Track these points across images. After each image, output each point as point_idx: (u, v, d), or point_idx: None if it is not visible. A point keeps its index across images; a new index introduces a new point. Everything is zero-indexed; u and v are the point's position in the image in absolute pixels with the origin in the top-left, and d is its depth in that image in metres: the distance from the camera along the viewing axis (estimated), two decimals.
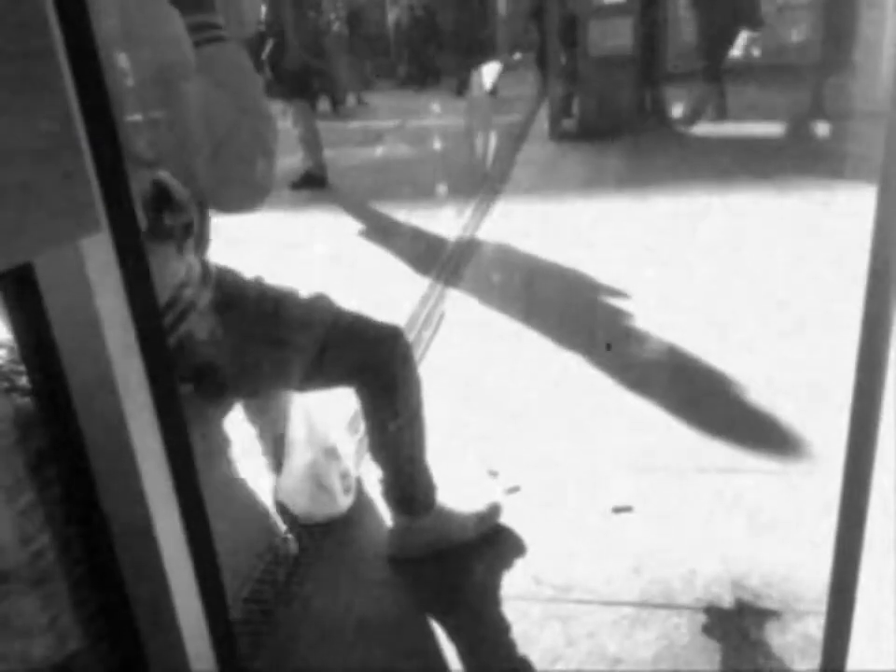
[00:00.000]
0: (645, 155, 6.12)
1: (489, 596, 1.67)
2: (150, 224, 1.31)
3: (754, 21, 7.27)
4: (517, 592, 1.67)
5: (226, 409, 1.60)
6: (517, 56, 9.32)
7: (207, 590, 0.77)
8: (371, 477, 1.89)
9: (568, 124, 7.12)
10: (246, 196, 1.30)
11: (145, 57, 1.09)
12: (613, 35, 6.71)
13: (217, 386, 1.47)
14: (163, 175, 1.32)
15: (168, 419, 0.70)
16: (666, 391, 2.45)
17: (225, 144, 1.18)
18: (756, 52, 8.36)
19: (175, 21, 1.13)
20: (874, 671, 0.80)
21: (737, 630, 1.52)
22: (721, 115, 6.98)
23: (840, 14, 6.79)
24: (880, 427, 0.72)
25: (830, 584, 0.82)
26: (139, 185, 1.25)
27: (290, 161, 5.86)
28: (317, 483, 1.88)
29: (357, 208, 5.33)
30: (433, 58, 12.43)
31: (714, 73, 6.95)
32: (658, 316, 3.01)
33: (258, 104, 1.25)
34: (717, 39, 6.96)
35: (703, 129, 6.84)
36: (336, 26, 10.62)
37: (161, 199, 1.31)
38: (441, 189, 5.67)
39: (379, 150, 7.50)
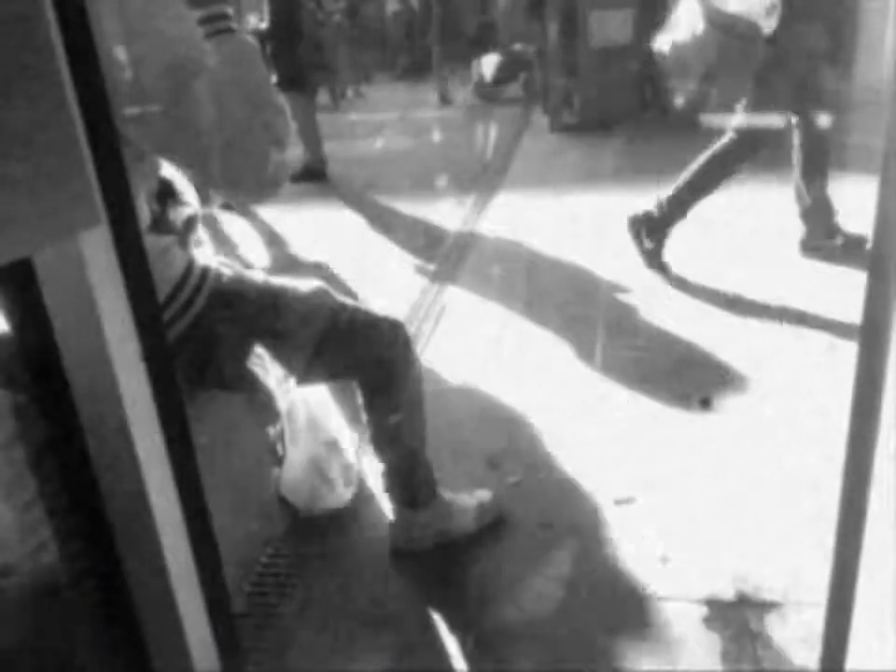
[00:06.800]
0: (646, 147, 6.10)
1: (490, 589, 1.67)
2: (154, 218, 1.31)
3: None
4: (518, 584, 1.67)
5: (225, 403, 1.60)
6: (517, 48, 9.27)
7: (209, 583, 0.77)
8: (373, 469, 1.89)
9: (568, 116, 7.09)
10: (260, 188, 1.29)
11: (156, 54, 1.08)
12: (614, 27, 6.68)
13: (218, 381, 1.47)
14: (169, 170, 1.32)
15: (168, 413, 0.70)
16: (667, 385, 2.45)
17: (237, 138, 1.18)
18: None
19: (188, 19, 1.13)
20: (873, 669, 0.80)
21: (738, 622, 1.52)
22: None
23: (841, 4, 6.76)
24: (881, 422, 0.72)
25: (830, 579, 0.82)
26: (143, 179, 1.25)
27: (290, 153, 5.84)
28: (319, 475, 1.88)
29: (356, 201, 5.32)
30: (432, 50, 12.37)
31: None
32: (659, 309, 3.01)
33: (268, 96, 1.24)
34: None
35: (704, 120, 6.81)
36: (336, 18, 10.57)
37: (165, 193, 1.31)
38: (441, 181, 5.66)
39: (378, 143, 7.48)
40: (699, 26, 3.01)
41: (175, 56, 1.11)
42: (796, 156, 3.39)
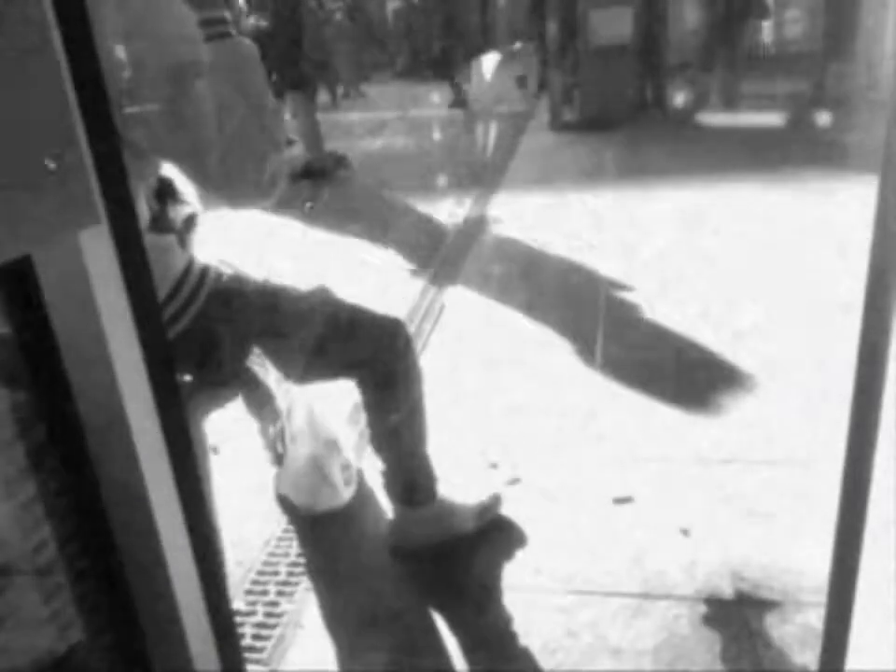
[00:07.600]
0: (645, 145, 6.10)
1: (490, 587, 1.67)
2: (154, 216, 1.31)
3: (762, 12, 7.28)
4: (518, 583, 1.67)
5: (224, 402, 1.60)
6: (517, 46, 9.28)
7: (209, 583, 0.77)
8: (373, 469, 1.89)
9: (568, 114, 7.09)
10: (257, 191, 1.29)
11: (157, 55, 1.09)
12: (613, 25, 6.69)
13: (217, 379, 1.47)
14: (168, 168, 1.32)
15: (168, 411, 0.70)
16: (667, 382, 2.45)
17: (236, 140, 1.18)
18: (762, 42, 8.34)
19: (189, 21, 1.13)
20: (873, 669, 0.81)
21: (738, 621, 1.52)
22: (732, 104, 6.97)
23: (841, 2, 6.78)
24: (881, 420, 0.72)
25: (829, 577, 0.82)
26: (143, 178, 1.25)
27: (290, 153, 5.84)
28: (319, 475, 1.88)
29: (356, 200, 5.31)
30: (432, 49, 12.39)
31: (725, 62, 6.94)
32: (659, 308, 3.00)
33: (266, 100, 1.25)
34: (727, 29, 6.95)
35: (704, 119, 6.82)
36: (336, 17, 10.56)
37: (165, 192, 1.31)
38: (442, 179, 5.66)
39: (379, 142, 7.48)
40: None
41: (176, 57, 1.11)
42: None
